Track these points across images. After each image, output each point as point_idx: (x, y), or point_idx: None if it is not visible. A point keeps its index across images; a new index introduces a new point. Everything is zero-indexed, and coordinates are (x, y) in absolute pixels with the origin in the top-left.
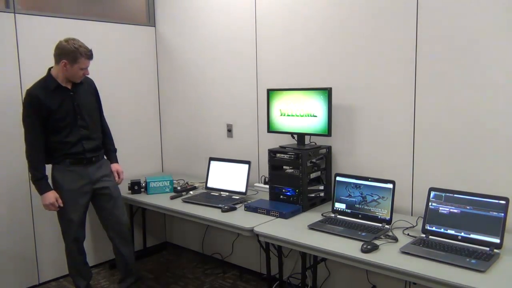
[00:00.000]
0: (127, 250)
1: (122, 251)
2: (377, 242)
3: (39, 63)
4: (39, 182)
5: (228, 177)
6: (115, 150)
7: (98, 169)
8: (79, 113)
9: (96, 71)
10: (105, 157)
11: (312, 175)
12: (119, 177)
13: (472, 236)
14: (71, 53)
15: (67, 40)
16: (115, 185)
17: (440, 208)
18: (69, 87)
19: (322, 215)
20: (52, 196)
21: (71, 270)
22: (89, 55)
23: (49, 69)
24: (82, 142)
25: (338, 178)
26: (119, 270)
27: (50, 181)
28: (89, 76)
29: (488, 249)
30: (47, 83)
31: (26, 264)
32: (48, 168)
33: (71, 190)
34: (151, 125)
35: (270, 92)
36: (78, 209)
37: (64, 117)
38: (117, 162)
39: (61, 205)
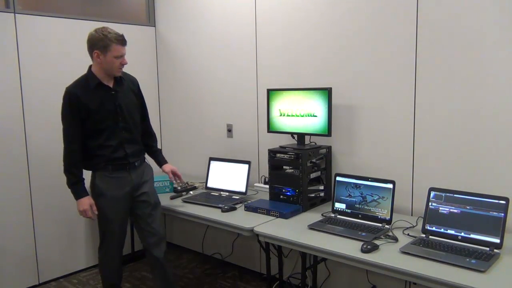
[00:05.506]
0: (167, 264)
1: (164, 266)
2: (377, 242)
3: (39, 63)
4: (74, 187)
5: (228, 177)
6: (161, 150)
7: (140, 174)
8: (120, 115)
9: None
10: (146, 161)
11: (312, 175)
12: (178, 177)
13: (472, 236)
14: (100, 41)
15: (95, 30)
16: (154, 192)
17: (440, 208)
18: (111, 85)
19: (322, 215)
20: (86, 202)
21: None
22: (120, 40)
23: (90, 67)
24: (124, 146)
25: (338, 178)
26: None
27: (89, 187)
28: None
29: (488, 249)
30: (87, 81)
31: (26, 264)
32: (88, 174)
33: (115, 197)
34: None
35: (270, 92)
36: (121, 219)
37: (105, 118)
38: (167, 162)
39: (96, 212)
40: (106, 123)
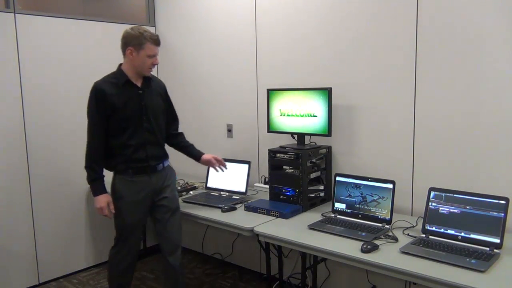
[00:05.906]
0: (181, 273)
1: (177, 275)
2: (377, 242)
3: (39, 63)
4: (93, 183)
5: (228, 177)
6: (192, 144)
7: (162, 178)
8: (145, 114)
9: (96, 71)
10: (169, 163)
11: (312, 175)
12: (220, 162)
13: (472, 236)
14: (136, 39)
15: (131, 28)
16: (175, 196)
17: (440, 208)
18: (139, 84)
19: (322, 215)
20: (104, 200)
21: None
22: (155, 39)
23: (120, 65)
24: (145, 147)
25: (338, 178)
26: None
27: (110, 190)
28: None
29: (488, 249)
30: (116, 78)
31: (26, 264)
32: (109, 176)
33: (134, 201)
34: None
35: (270, 92)
36: (138, 222)
37: (129, 117)
38: (203, 153)
39: (113, 211)
40: (130, 122)
